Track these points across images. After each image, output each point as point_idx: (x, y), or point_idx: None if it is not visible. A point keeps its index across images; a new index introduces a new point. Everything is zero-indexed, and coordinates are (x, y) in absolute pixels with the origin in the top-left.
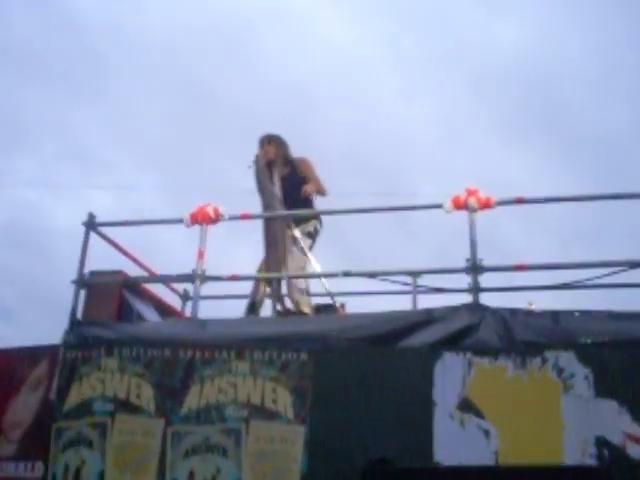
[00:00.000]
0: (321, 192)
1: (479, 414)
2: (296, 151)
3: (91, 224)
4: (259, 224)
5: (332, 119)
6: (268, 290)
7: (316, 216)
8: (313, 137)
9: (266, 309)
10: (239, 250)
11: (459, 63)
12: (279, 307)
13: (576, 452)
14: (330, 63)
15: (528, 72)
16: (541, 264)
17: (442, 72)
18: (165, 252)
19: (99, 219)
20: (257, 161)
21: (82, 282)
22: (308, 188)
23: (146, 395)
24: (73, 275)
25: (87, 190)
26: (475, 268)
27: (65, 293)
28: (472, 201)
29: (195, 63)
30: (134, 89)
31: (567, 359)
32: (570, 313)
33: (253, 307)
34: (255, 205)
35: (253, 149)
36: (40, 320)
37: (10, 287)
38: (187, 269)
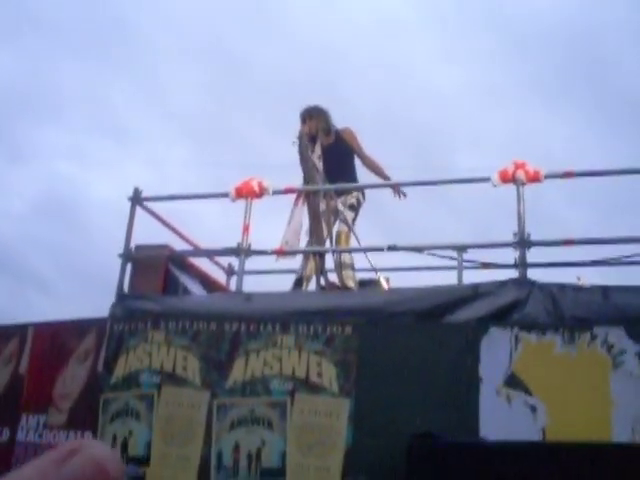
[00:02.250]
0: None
1: (526, 390)
2: (333, 114)
3: (137, 199)
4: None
5: (366, 80)
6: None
7: (358, 188)
8: (347, 98)
9: (312, 284)
10: (281, 224)
11: (498, 21)
12: (323, 281)
13: (626, 430)
14: (362, 22)
15: (571, 29)
16: (590, 239)
17: (480, 30)
18: (200, 226)
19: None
20: (300, 137)
21: (129, 256)
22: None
23: (192, 368)
24: (109, 247)
25: (121, 164)
26: (523, 242)
27: (101, 265)
28: (520, 174)
29: (225, 29)
30: (165, 58)
31: (617, 335)
32: (620, 288)
33: (300, 282)
34: (293, 179)
35: (288, 117)
36: (75, 292)
37: (45, 259)
38: (223, 243)
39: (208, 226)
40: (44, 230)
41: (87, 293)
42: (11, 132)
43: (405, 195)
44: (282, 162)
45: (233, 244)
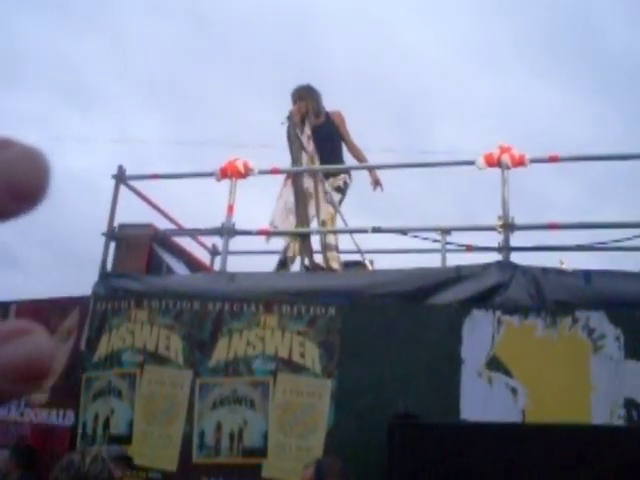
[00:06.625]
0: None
1: (507, 372)
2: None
3: (121, 177)
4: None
5: (338, 41)
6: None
7: (346, 170)
8: (320, 60)
9: (296, 265)
10: (267, 205)
11: None
12: (307, 262)
13: (604, 413)
14: None
15: None
16: (574, 223)
17: None
18: (180, 205)
19: (104, 168)
20: (290, 117)
21: (112, 235)
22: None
23: (175, 347)
24: (81, 221)
25: (87, 132)
26: (507, 226)
27: (75, 239)
28: (505, 158)
29: None
30: (133, 15)
31: (598, 319)
32: (602, 273)
33: (284, 263)
34: (270, 154)
35: (260, 75)
36: (48, 266)
37: (15, 234)
38: (205, 223)
39: (187, 205)
40: None
41: (60, 268)
42: None
43: (382, 188)
44: (258, 129)
45: (217, 224)
